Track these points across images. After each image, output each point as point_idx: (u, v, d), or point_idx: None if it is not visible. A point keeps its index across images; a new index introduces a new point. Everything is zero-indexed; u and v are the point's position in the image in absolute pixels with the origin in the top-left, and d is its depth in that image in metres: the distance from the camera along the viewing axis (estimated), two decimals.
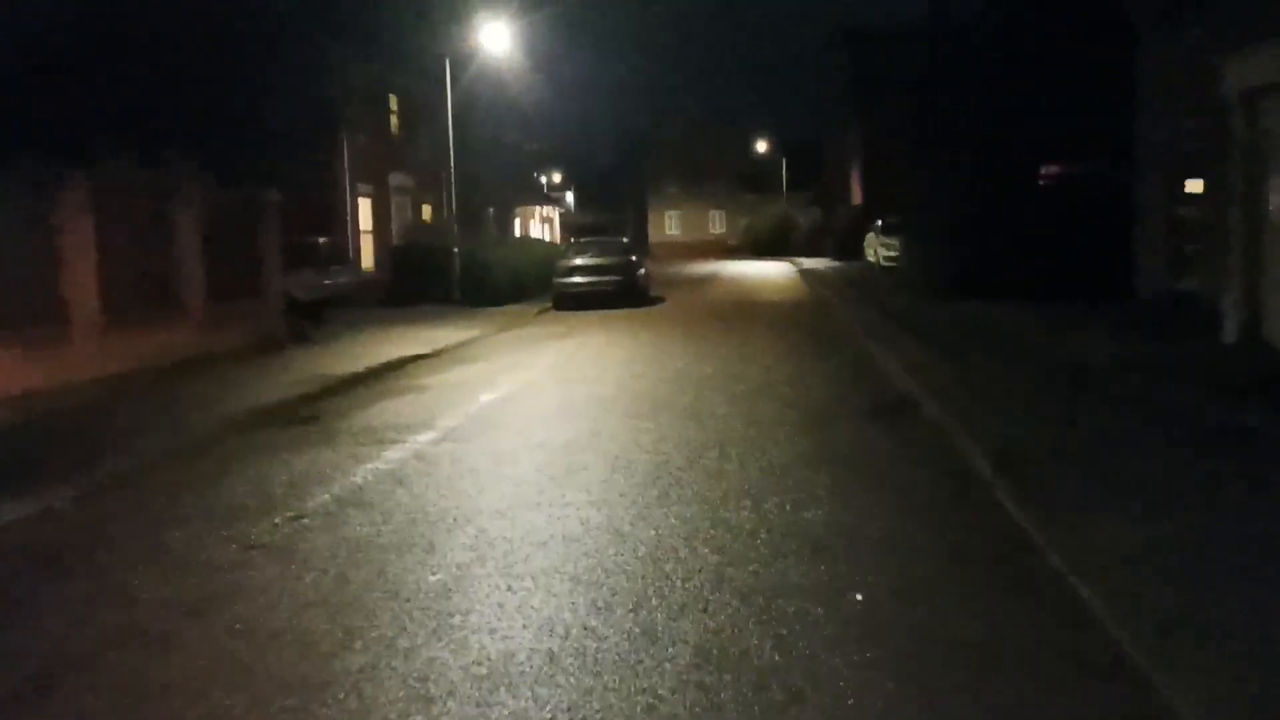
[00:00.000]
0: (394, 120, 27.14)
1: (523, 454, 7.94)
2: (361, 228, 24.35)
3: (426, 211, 29.79)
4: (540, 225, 49.00)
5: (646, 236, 70.60)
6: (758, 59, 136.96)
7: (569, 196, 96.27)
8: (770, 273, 38.05)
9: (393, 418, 9.81)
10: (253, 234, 15.09)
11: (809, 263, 42.33)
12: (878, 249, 31.53)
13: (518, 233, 44.45)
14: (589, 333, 17.90)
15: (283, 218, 15.70)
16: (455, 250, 22.14)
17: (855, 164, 47.21)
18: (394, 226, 26.75)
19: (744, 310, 21.46)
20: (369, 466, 7.69)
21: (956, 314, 16.76)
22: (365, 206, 24.94)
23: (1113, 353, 11.33)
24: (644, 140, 71.93)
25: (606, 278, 22.31)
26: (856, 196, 47.05)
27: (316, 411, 10.32)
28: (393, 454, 8.09)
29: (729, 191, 67.00)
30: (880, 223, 32.65)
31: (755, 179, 64.35)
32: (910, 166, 24.97)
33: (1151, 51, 14.95)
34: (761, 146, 61.05)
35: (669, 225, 70.26)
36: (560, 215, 56.13)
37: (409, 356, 14.30)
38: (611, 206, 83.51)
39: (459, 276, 22.19)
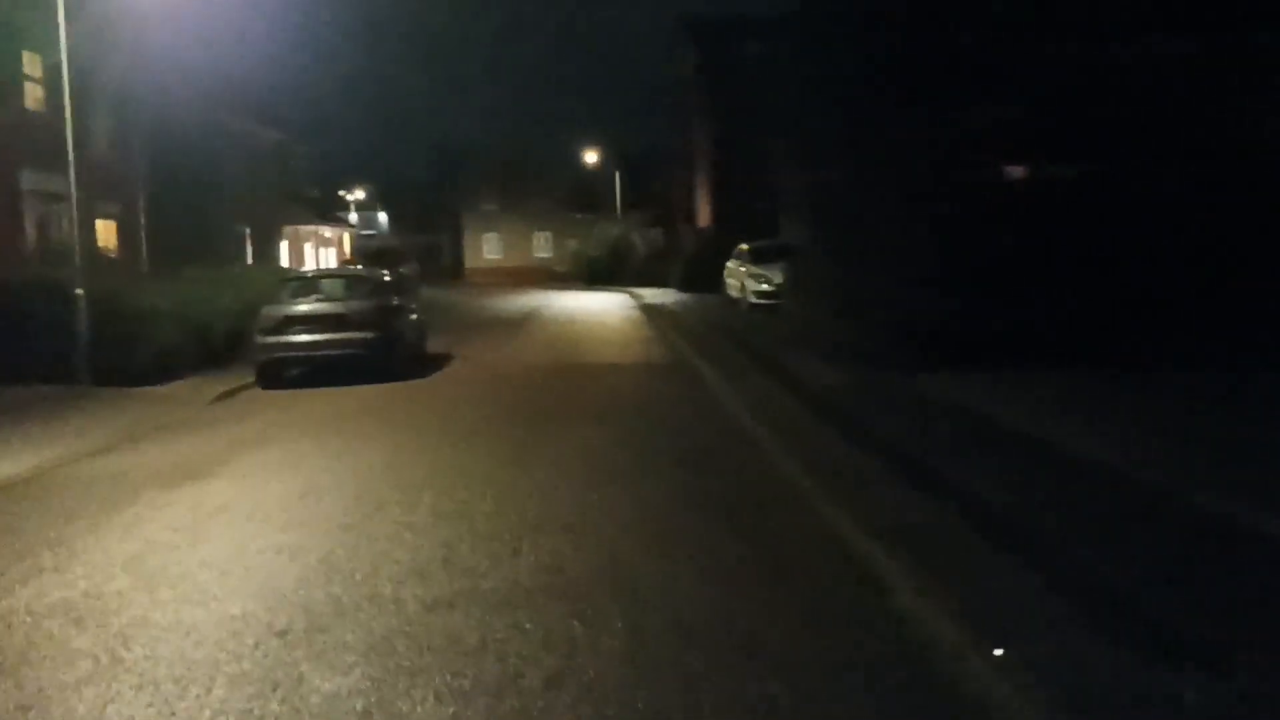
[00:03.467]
0: (31, 91, 17.74)
1: None
2: None
3: (105, 231, 20.36)
4: (320, 250, 39.55)
5: (462, 261, 61.85)
6: (587, 61, 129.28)
7: (381, 216, 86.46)
8: (606, 310, 30.07)
9: None
10: None
11: (651, 295, 34.67)
12: (745, 281, 24.04)
13: (285, 259, 35.00)
14: (287, 443, 9.48)
15: None
16: (79, 292, 13.06)
17: (703, 178, 40.01)
18: (34, 251, 17.33)
19: (571, 387, 13.37)
20: None
21: (988, 425, 9.09)
22: None
23: None
24: (459, 152, 63.19)
25: (347, 334, 13.78)
26: (704, 216, 39.83)
27: None
28: None
29: (556, 210, 59.00)
30: (746, 247, 25.19)
31: (586, 196, 56.55)
32: (806, 167, 17.45)
33: None
34: (592, 158, 53.28)
35: (488, 248, 61.70)
36: (353, 237, 46.70)
37: None
38: (429, 227, 74.35)
39: (88, 335, 13.13)
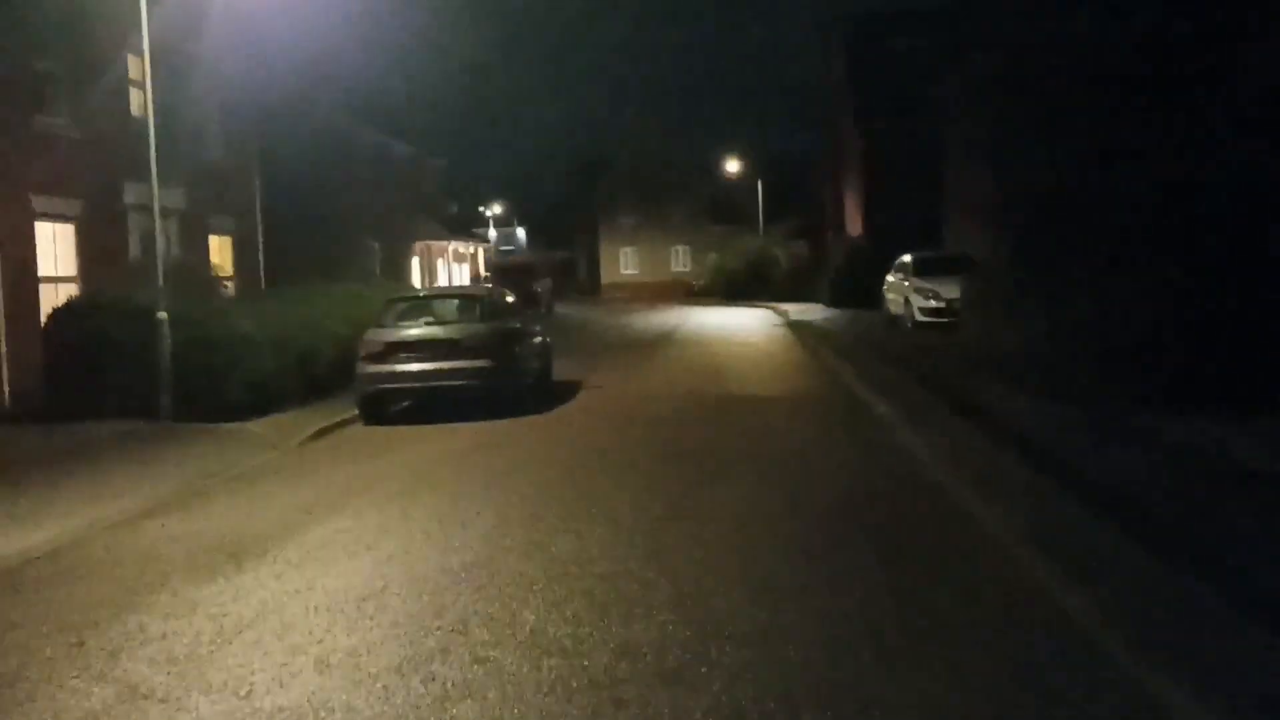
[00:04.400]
0: (135, 97, 16.65)
1: None
2: (44, 272, 13.79)
3: (220, 247, 19.25)
4: (454, 266, 38.48)
5: (598, 277, 60.46)
6: (728, 67, 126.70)
7: (519, 232, 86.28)
8: (749, 329, 27.74)
9: None
10: None
11: (797, 311, 32.15)
12: (909, 297, 21.33)
13: (417, 276, 33.95)
14: (369, 507, 7.58)
15: None
16: (162, 316, 11.55)
17: (852, 186, 37.27)
18: (137, 269, 16.16)
19: (716, 426, 11.21)
20: None
21: None
22: (59, 235, 14.45)
23: None
24: (596, 166, 61.92)
25: (459, 363, 11.92)
26: (854, 226, 37.07)
27: None
28: None
29: (694, 223, 56.93)
30: (909, 259, 22.48)
31: (726, 208, 54.31)
32: (1000, 168, 14.84)
33: None
34: (733, 168, 51.00)
35: (624, 263, 60.05)
36: (486, 252, 45.67)
37: None
38: (565, 242, 73.46)
39: (171, 364, 11.61)
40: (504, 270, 37.80)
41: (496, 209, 73.71)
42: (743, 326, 28.39)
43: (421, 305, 12.74)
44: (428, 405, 12.57)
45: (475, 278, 36.92)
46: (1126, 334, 10.03)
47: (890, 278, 23.76)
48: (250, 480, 9.18)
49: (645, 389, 14.59)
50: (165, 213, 16.02)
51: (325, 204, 25.52)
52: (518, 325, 13.28)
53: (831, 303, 33.44)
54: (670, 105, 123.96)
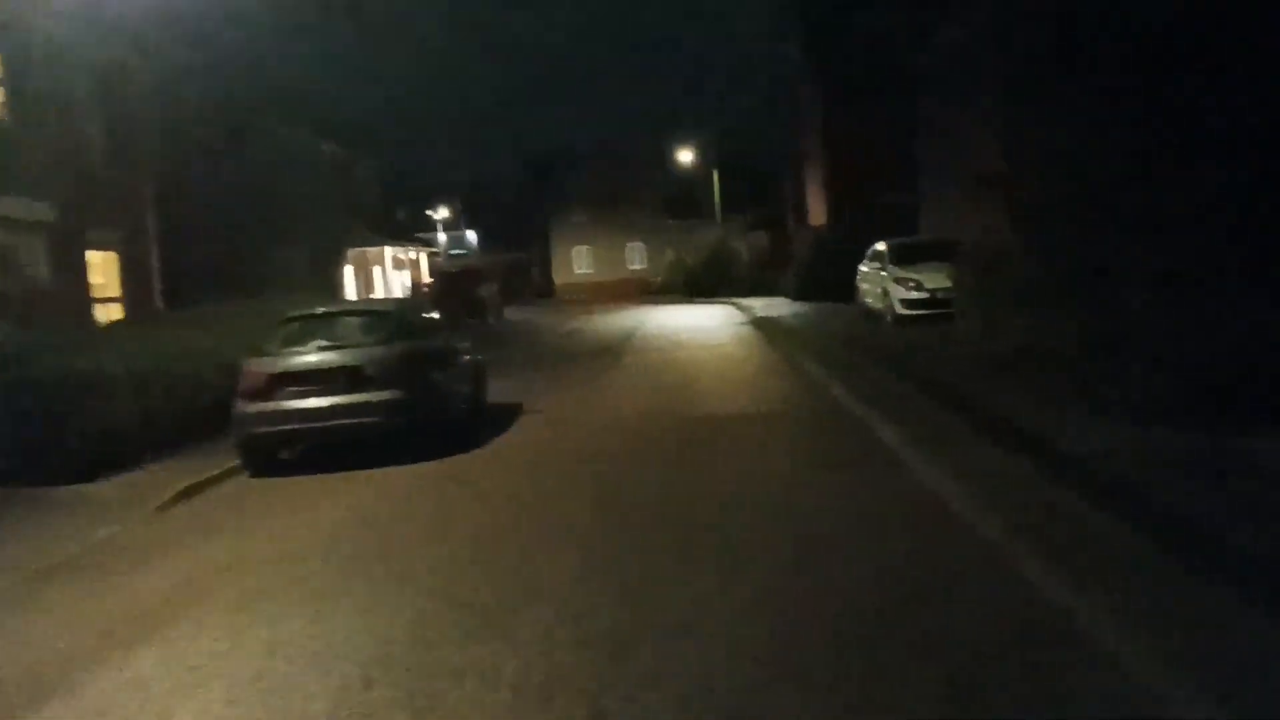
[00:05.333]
0: None
1: None
2: None
3: (104, 265, 16.73)
4: (394, 274, 35.94)
5: (552, 278, 58.13)
6: (680, 53, 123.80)
7: (470, 235, 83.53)
8: (713, 329, 25.57)
9: None
10: None
11: (762, 307, 30.09)
12: (888, 288, 19.20)
13: (351, 286, 31.43)
14: (212, 615, 5.30)
15: None
16: None
17: (816, 172, 35.22)
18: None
19: (686, 461, 9.08)
20: None
21: None
22: None
23: None
24: (546, 164, 59.53)
25: (361, 396, 9.60)
26: (819, 215, 35.02)
27: None
28: None
29: (650, 218, 54.71)
30: (885, 247, 20.39)
31: (682, 201, 52.17)
32: (1006, 133, 12.78)
33: None
34: (687, 158, 48.79)
35: (579, 263, 57.81)
36: (431, 257, 43.07)
37: None
38: (518, 243, 70.92)
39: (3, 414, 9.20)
40: (448, 276, 35.37)
41: (445, 212, 70.97)
42: (705, 327, 26.21)
43: (316, 326, 10.31)
44: (330, 446, 10.22)
45: (416, 285, 34.33)
46: (1207, 341, 7.92)
47: (864, 268, 21.68)
48: (57, 576, 6.81)
49: (597, 412, 12.33)
50: (25, 227, 13.60)
51: (239, 212, 23.00)
52: (438, 345, 10.95)
53: (797, 296, 31.41)
54: (620, 97, 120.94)
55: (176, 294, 18.62)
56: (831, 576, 5.25)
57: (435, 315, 12.13)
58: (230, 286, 20.22)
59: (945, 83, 22.94)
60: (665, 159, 51.68)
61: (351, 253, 31.89)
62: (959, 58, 21.78)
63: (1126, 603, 4.46)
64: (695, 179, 50.27)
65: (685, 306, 38.13)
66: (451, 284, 34.02)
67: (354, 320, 10.41)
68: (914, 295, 18.37)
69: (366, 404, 9.58)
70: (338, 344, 9.97)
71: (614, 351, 20.47)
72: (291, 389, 9.65)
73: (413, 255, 39.53)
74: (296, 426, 9.69)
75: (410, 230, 66.56)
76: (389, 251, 35.00)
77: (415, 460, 9.64)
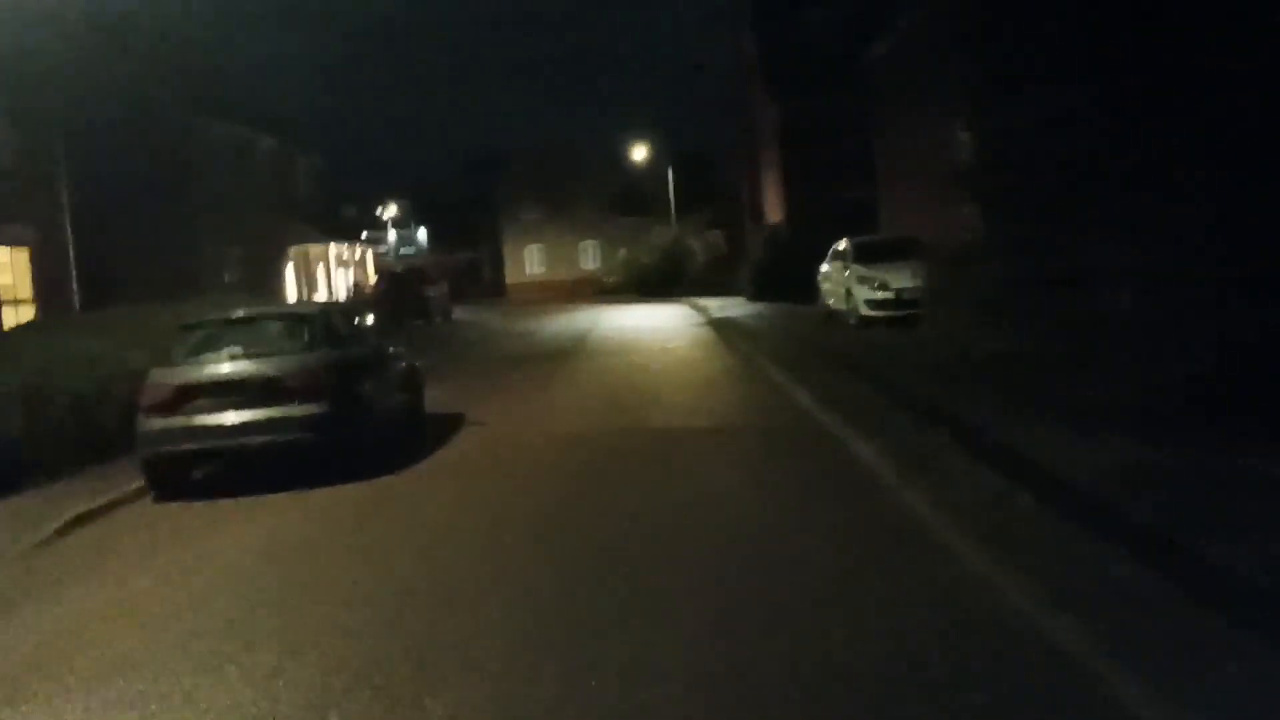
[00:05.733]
0: None
1: None
2: None
3: (12, 264, 15.49)
4: (338, 272, 34.65)
5: (503, 278, 56.97)
6: (626, 49, 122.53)
7: (421, 234, 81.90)
8: (669, 330, 24.71)
9: None
10: None
11: (719, 307, 29.31)
12: (852, 288, 18.45)
13: (292, 285, 30.14)
14: (65, 694, 4.28)
15: None
16: None
17: (771, 169, 34.53)
18: None
19: (642, 481, 8.30)
20: None
21: None
22: None
23: None
24: (495, 160, 58.31)
25: (275, 411, 8.58)
26: (775, 212, 34.35)
27: None
28: None
29: (603, 216, 53.69)
30: (847, 245, 19.65)
31: (635, 199, 51.24)
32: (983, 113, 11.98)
33: None
34: (640, 154, 47.89)
35: (531, 262, 56.64)
36: (377, 256, 41.73)
37: None
38: (469, 242, 69.58)
39: None
40: (393, 276, 34.19)
41: (393, 210, 69.46)
42: (661, 328, 25.34)
43: (230, 331, 9.22)
44: (237, 472, 9.18)
45: (359, 285, 33.04)
46: (1193, 345, 7.20)
47: (826, 267, 20.93)
48: None
49: (546, 423, 11.38)
50: None
51: (167, 208, 21.73)
52: (367, 351, 9.95)
53: (754, 296, 30.69)
54: (571, 92, 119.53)
55: (98, 294, 17.38)
56: (826, 645, 4.37)
57: (369, 318, 11.13)
58: (158, 286, 19.03)
59: (903, 72, 22.30)
60: (618, 156, 50.74)
61: (293, 251, 30.58)
62: (917, 45, 21.15)
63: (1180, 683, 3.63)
64: (649, 177, 49.40)
65: (639, 306, 37.24)
66: (396, 284, 32.84)
67: (272, 325, 9.35)
68: (879, 295, 17.65)
69: (285, 419, 8.56)
70: (254, 352, 8.92)
71: (567, 355, 19.52)
72: (201, 402, 8.60)
73: (357, 254, 38.21)
74: (206, 444, 8.65)
75: (358, 229, 65.18)
76: (333, 250, 33.71)
77: (342, 480, 8.63)
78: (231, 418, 8.56)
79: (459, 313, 37.10)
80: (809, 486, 7.45)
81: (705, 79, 61.59)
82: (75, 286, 16.62)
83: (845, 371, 13.02)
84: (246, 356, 8.85)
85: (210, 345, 9.03)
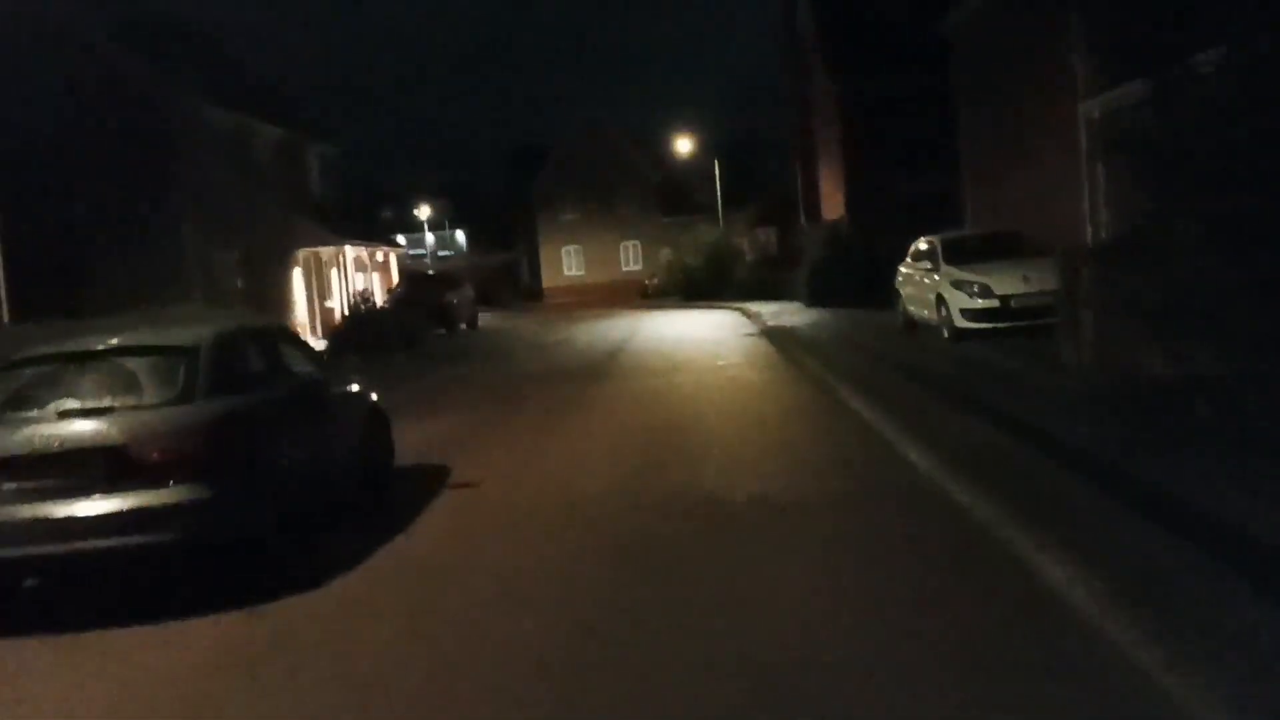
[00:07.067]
0: None
1: None
2: None
3: None
4: (357, 278, 31.81)
5: (540, 281, 54.12)
6: (675, 31, 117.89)
7: (459, 235, 79.28)
8: (719, 342, 21.48)
9: None
10: None
11: (772, 313, 26.09)
12: (944, 295, 15.10)
13: (300, 293, 27.34)
14: None
15: None
16: None
17: (831, 160, 31.16)
18: None
19: (705, 623, 5.07)
20: None
21: None
22: None
23: None
24: (532, 155, 55.50)
25: (119, 500, 5.55)
26: (833, 208, 30.96)
27: None
28: None
29: (645, 215, 50.62)
30: (937, 243, 16.34)
31: (679, 196, 48.11)
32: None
33: None
34: (685, 147, 44.65)
35: (568, 263, 53.77)
36: (401, 259, 38.80)
37: None
38: (508, 243, 66.77)
39: None
40: (412, 280, 31.35)
41: (428, 211, 66.83)
42: (708, 339, 22.14)
43: (66, 374, 6.16)
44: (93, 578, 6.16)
45: (364, 292, 29.95)
46: None
47: (905, 269, 17.59)
48: None
49: (553, 488, 8.24)
50: None
51: (142, 203, 18.94)
52: (283, 396, 6.82)
53: (812, 301, 27.41)
54: (612, 82, 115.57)
55: (43, 301, 14.58)
56: None
57: (309, 343, 8.08)
58: (127, 293, 16.29)
59: (992, 39, 18.94)
60: (661, 150, 47.61)
61: (302, 254, 27.77)
62: (1010, 4, 17.81)
63: None
64: (693, 172, 46.21)
65: (684, 312, 34.07)
66: (416, 289, 29.95)
67: (133, 363, 6.25)
68: (979, 304, 14.31)
69: (139, 512, 5.51)
70: (96, 406, 5.87)
71: (595, 374, 16.38)
72: (9, 487, 5.58)
73: (380, 257, 35.37)
74: (19, 551, 5.62)
75: (394, 230, 62.49)
76: (350, 252, 30.87)
77: (226, 605, 5.59)
78: (58, 510, 5.52)
79: (488, 320, 34.18)
80: (979, 658, 4.23)
81: (754, 62, 58.21)
82: (4, 295, 13.79)
83: (961, 407, 9.74)
84: (85, 414, 5.80)
85: (33, 396, 5.98)
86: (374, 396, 8.47)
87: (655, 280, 44.83)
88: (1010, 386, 10.11)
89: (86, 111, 18.01)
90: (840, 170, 29.31)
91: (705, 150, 44.05)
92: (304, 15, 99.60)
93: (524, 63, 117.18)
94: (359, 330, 21.48)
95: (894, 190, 26.00)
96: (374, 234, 35.66)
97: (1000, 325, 13.96)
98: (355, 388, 8.25)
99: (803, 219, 35.61)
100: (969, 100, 21.13)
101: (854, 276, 25.09)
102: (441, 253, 72.49)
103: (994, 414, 8.94)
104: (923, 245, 16.92)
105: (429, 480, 8.54)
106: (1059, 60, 15.44)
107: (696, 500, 7.24)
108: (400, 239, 46.69)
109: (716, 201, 42.05)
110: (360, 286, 31.62)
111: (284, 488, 6.28)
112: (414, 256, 64.94)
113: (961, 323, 14.55)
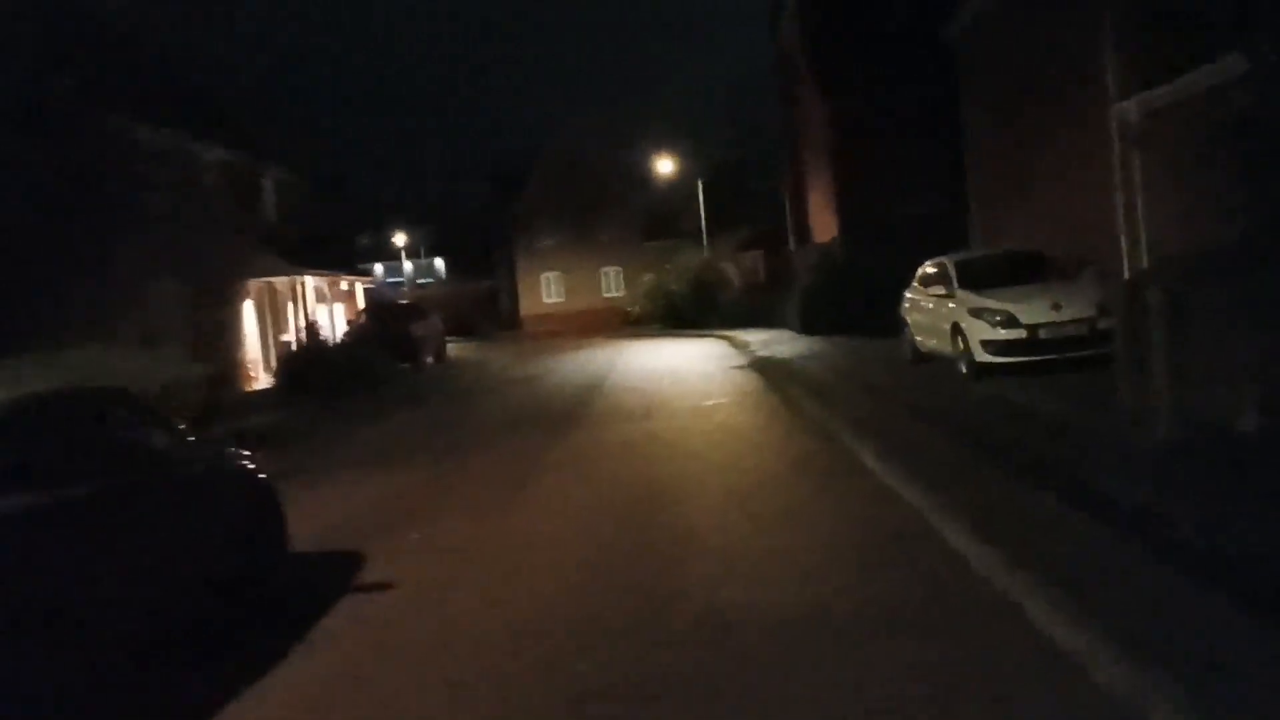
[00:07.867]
0: None
1: None
2: None
3: None
4: (319, 309, 29.79)
5: (517, 311, 52.23)
6: (658, 48, 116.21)
7: (438, 263, 77.35)
8: (707, 378, 19.56)
9: None
10: None
11: (762, 343, 24.30)
12: (962, 323, 13.21)
13: (252, 327, 25.32)
14: None
15: None
16: None
17: (821, 180, 29.42)
18: None
19: None
20: None
21: None
22: None
23: None
24: (509, 179, 53.73)
25: None
26: (824, 230, 29.19)
27: None
28: None
29: (626, 240, 48.87)
30: (949, 265, 14.52)
31: (661, 220, 46.38)
32: None
33: None
34: (667, 168, 42.89)
35: (547, 290, 51.90)
36: (367, 289, 36.77)
37: None
38: (487, 271, 64.80)
39: None
40: (374, 311, 29.42)
41: (404, 239, 64.92)
42: (694, 372, 20.23)
43: None
44: None
45: (311, 326, 27.73)
46: None
47: (913, 294, 15.74)
48: None
49: (496, 590, 6.26)
50: None
51: (71, 233, 16.98)
52: (79, 496, 4.82)
53: (804, 329, 25.59)
54: (592, 102, 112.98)
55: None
56: None
57: (160, 412, 6.10)
58: (48, 327, 14.42)
59: (1001, 44, 17.26)
60: (642, 173, 45.91)
61: (253, 285, 25.76)
62: (1020, 3, 16.12)
63: None
64: (676, 195, 44.50)
65: (667, 341, 32.19)
66: (378, 321, 28.01)
67: None
68: (1003, 335, 12.42)
69: None
70: None
71: (566, 419, 14.41)
72: None
73: (345, 286, 33.37)
74: None
75: (372, 258, 60.59)
76: (310, 282, 28.85)
77: None
78: None
79: (458, 351, 32.21)
80: None
81: (740, 80, 56.58)
82: None
83: (1008, 467, 7.84)
84: None
85: None
86: (261, 476, 6.49)
87: (637, 308, 42.88)
88: (1068, 441, 8.20)
89: None
90: (832, 192, 27.53)
91: (689, 172, 42.33)
92: (283, 37, 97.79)
93: (504, 85, 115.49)
94: (306, 369, 19.50)
95: (889, 211, 24.30)
96: (342, 262, 33.67)
97: (1026, 359, 12.11)
98: (234, 466, 6.27)
99: (792, 242, 33.88)
100: (974, 111, 19.44)
101: (849, 302, 23.32)
102: (420, 280, 70.51)
103: (1062, 481, 7.02)
104: (932, 268, 15.09)
105: (335, 578, 6.58)
106: (1084, 62, 13.73)
107: (688, 621, 5.27)
108: (378, 267, 44.72)
109: (700, 225, 40.27)
110: (326, 320, 29.64)
111: (74, 626, 4.30)
112: (393, 284, 62.99)
113: (983, 356, 12.66)
